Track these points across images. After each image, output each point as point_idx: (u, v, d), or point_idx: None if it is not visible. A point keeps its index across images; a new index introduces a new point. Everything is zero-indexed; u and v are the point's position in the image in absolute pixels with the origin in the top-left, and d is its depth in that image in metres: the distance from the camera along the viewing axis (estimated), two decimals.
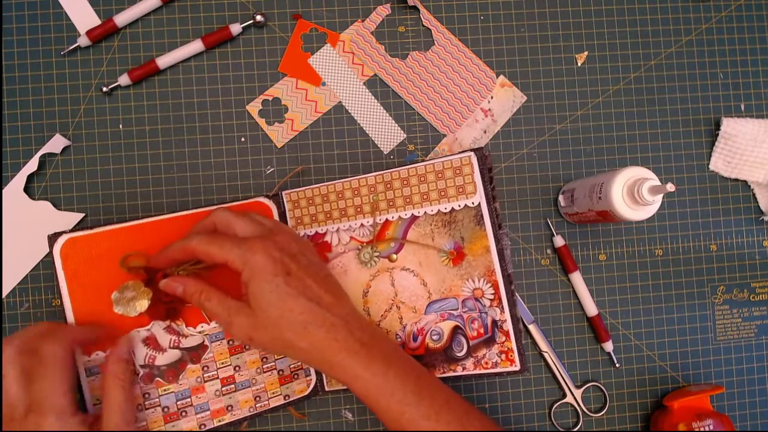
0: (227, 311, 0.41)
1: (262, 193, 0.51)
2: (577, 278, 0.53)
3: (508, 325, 0.47)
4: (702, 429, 0.49)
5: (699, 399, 0.51)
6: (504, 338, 0.47)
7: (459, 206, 0.48)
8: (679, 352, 0.54)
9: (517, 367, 0.47)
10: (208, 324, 0.47)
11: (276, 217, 0.50)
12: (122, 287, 0.46)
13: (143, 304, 0.45)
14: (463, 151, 0.47)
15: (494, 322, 0.48)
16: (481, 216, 0.47)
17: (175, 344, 0.47)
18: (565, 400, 0.53)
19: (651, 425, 0.53)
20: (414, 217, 0.49)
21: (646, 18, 0.55)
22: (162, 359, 0.46)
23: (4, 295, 0.51)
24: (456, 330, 0.48)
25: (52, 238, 0.46)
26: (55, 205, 0.51)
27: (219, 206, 0.45)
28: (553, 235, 0.53)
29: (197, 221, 0.47)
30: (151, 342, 0.46)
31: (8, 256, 0.50)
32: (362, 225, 0.49)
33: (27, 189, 0.51)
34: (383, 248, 0.49)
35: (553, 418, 0.53)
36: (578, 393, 0.53)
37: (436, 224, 0.48)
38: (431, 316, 0.49)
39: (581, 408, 0.53)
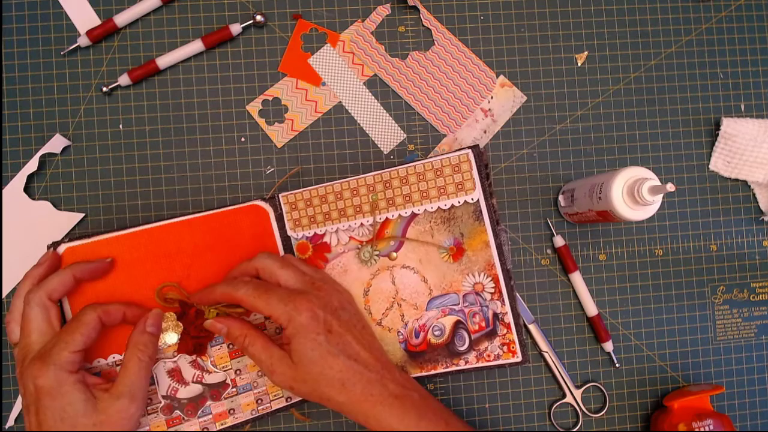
0: (270, 359, 0.42)
1: (259, 196, 0.51)
2: (577, 278, 0.53)
3: (509, 318, 0.48)
4: (702, 429, 0.49)
5: (699, 399, 0.51)
6: (505, 330, 0.48)
7: (459, 202, 0.48)
8: (679, 352, 0.54)
9: (519, 358, 0.48)
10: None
11: (273, 221, 0.50)
12: None
13: (173, 337, 0.46)
14: (460, 149, 0.48)
15: (495, 315, 0.48)
16: (480, 212, 0.48)
17: (198, 379, 0.47)
18: (565, 400, 0.53)
19: (651, 425, 0.53)
20: (413, 215, 0.49)
21: (646, 18, 0.55)
22: (184, 392, 0.47)
23: (4, 295, 0.51)
24: (458, 325, 0.49)
25: (51, 247, 0.46)
26: (55, 205, 0.51)
27: (262, 252, 0.46)
28: (553, 235, 0.53)
29: (197, 230, 0.47)
30: (175, 374, 0.47)
31: (8, 256, 0.50)
32: (362, 224, 0.49)
33: (27, 189, 0.51)
34: (383, 247, 0.49)
35: (552, 418, 0.53)
36: (578, 393, 0.53)
37: (435, 221, 0.49)
38: (432, 312, 0.49)
39: (581, 408, 0.53)
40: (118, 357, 0.46)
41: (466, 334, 0.48)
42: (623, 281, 0.54)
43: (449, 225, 0.49)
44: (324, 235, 0.50)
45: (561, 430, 0.53)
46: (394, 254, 0.49)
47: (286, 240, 0.50)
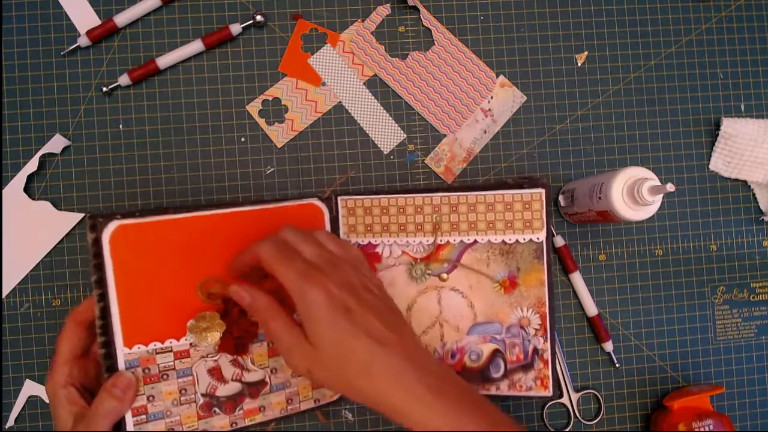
0: (290, 337, 0.39)
1: (316, 194, 0.50)
2: (577, 278, 0.53)
3: (548, 355, 0.49)
4: (702, 429, 0.49)
5: (699, 399, 0.51)
6: (542, 365, 0.49)
7: (524, 239, 0.49)
8: (679, 352, 0.54)
9: (549, 393, 0.49)
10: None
11: (327, 222, 0.49)
12: (199, 316, 0.45)
13: (215, 336, 0.45)
14: (532, 184, 0.48)
15: (536, 350, 0.49)
16: (542, 251, 0.49)
17: (237, 377, 0.47)
18: (560, 401, 0.53)
19: (651, 425, 0.53)
20: (474, 242, 0.49)
21: (646, 18, 0.55)
22: (222, 390, 0.46)
23: (4, 295, 0.51)
24: (496, 353, 0.49)
25: (102, 223, 0.43)
26: (55, 205, 0.51)
27: (288, 226, 0.43)
28: (553, 235, 0.53)
29: (250, 223, 0.47)
30: (215, 373, 0.46)
31: (8, 256, 0.50)
32: (420, 243, 0.50)
33: (27, 189, 0.51)
34: (435, 267, 0.50)
35: (546, 419, 0.53)
36: (575, 396, 0.53)
37: (493, 251, 0.49)
38: (473, 338, 0.49)
39: (575, 412, 0.53)
40: (159, 345, 0.44)
41: (502, 363, 0.49)
42: (623, 281, 0.54)
43: (507, 258, 0.49)
44: (377, 245, 0.50)
45: (552, 430, 0.53)
46: (445, 275, 0.50)
47: None
